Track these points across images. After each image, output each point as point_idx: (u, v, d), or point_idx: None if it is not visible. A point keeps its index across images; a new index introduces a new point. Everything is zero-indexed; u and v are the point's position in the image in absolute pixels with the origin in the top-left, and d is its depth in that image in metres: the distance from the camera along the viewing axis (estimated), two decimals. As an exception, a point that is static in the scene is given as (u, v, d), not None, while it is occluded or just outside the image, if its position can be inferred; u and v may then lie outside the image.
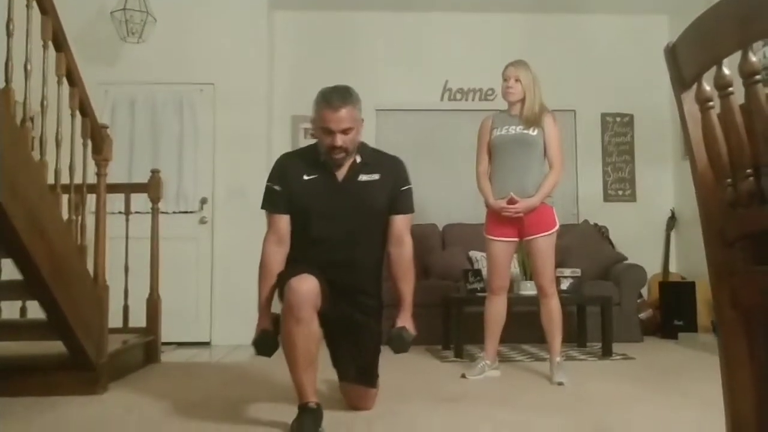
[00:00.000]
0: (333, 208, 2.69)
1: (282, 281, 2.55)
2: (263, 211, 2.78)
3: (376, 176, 2.74)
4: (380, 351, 2.85)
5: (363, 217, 2.73)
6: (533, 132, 3.71)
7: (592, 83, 6.45)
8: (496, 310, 3.80)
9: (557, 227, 3.76)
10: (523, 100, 3.75)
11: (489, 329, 3.81)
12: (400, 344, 2.71)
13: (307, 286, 2.44)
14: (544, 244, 3.70)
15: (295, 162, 2.76)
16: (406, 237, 2.79)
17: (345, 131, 2.62)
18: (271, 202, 2.72)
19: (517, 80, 3.74)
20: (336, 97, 2.62)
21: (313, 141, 2.86)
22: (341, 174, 2.73)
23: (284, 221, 2.71)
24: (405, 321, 2.75)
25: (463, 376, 3.71)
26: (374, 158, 2.80)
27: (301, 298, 2.42)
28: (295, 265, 2.62)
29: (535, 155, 3.73)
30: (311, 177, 2.71)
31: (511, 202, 3.67)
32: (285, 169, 2.74)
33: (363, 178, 2.73)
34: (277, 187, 2.71)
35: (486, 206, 3.84)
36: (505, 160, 3.75)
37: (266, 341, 2.61)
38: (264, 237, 2.74)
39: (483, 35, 6.42)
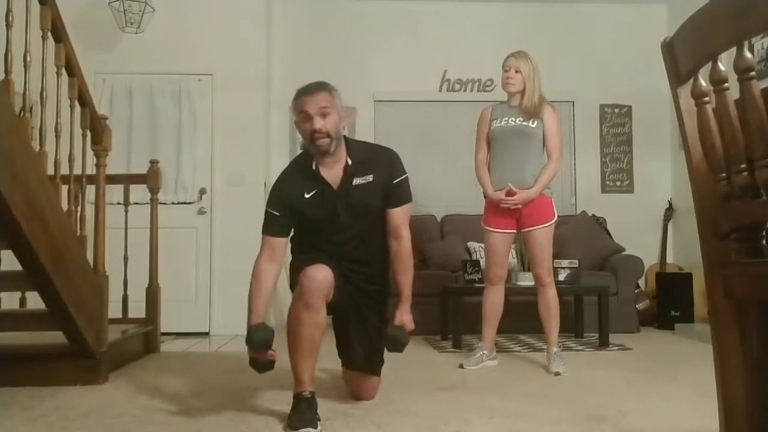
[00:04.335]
0: (336, 216, 2.70)
1: (296, 269, 2.59)
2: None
3: (369, 177, 2.72)
4: None
5: (365, 220, 2.75)
6: (533, 124, 3.71)
7: (590, 74, 6.45)
8: (494, 301, 3.82)
9: (556, 218, 3.77)
10: (523, 91, 3.75)
11: (487, 319, 3.83)
12: (395, 345, 2.69)
13: (322, 275, 2.47)
14: (543, 235, 3.71)
15: (292, 182, 2.74)
16: (403, 230, 2.79)
17: (323, 113, 2.60)
18: (268, 226, 2.73)
19: (517, 71, 3.74)
20: (311, 84, 2.67)
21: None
22: (336, 182, 2.70)
23: (279, 243, 2.71)
24: (404, 314, 2.74)
25: (461, 366, 3.73)
26: (366, 156, 2.76)
27: (315, 284, 2.45)
28: (311, 254, 2.63)
29: (534, 146, 3.74)
30: (311, 194, 2.70)
31: (510, 193, 3.68)
32: (283, 194, 2.73)
33: (357, 182, 2.71)
34: (275, 213, 2.71)
35: (484, 197, 3.86)
36: (504, 151, 3.75)
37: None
38: (258, 255, 2.70)
39: (482, 25, 6.41)
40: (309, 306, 2.45)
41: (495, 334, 3.86)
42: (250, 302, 2.59)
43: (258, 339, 2.44)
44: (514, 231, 3.79)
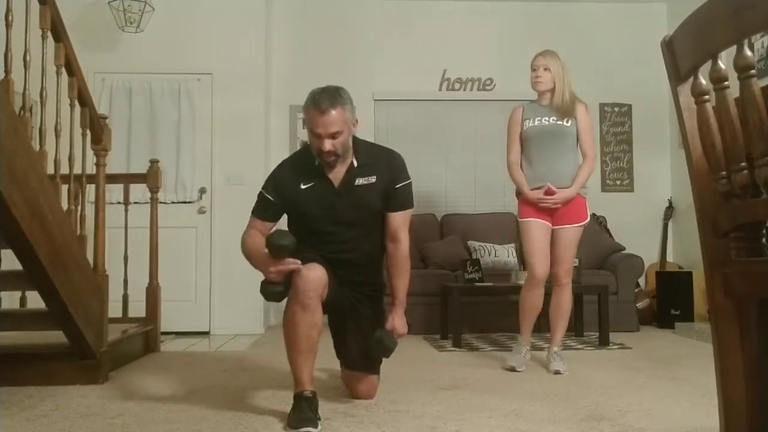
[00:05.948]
0: (333, 214, 2.69)
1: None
2: None
3: (372, 178, 2.71)
4: None
5: (363, 220, 2.75)
6: (567, 123, 3.70)
7: (590, 72, 6.43)
8: (534, 302, 3.73)
9: (588, 220, 3.76)
10: (552, 90, 3.74)
11: (524, 315, 3.76)
12: (381, 350, 2.73)
13: (315, 274, 2.47)
14: (572, 234, 3.70)
15: (290, 172, 2.74)
16: (402, 234, 2.78)
17: (333, 135, 2.57)
18: (261, 209, 2.74)
19: (546, 69, 3.73)
20: (324, 99, 2.55)
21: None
22: (338, 180, 2.70)
23: (265, 227, 2.72)
24: (397, 318, 2.77)
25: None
26: (371, 158, 2.75)
27: (309, 285, 2.44)
28: (303, 255, 2.61)
29: (568, 145, 3.72)
30: (308, 186, 2.69)
31: (549, 192, 3.64)
32: (280, 180, 2.73)
33: (360, 182, 2.70)
34: (270, 197, 2.72)
35: (517, 195, 3.83)
36: (539, 150, 3.72)
37: (274, 285, 2.53)
38: (244, 232, 2.71)
39: (482, 24, 6.41)
40: (305, 306, 2.44)
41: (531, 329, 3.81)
42: (257, 261, 2.57)
43: (280, 242, 2.43)
44: (550, 224, 3.73)
